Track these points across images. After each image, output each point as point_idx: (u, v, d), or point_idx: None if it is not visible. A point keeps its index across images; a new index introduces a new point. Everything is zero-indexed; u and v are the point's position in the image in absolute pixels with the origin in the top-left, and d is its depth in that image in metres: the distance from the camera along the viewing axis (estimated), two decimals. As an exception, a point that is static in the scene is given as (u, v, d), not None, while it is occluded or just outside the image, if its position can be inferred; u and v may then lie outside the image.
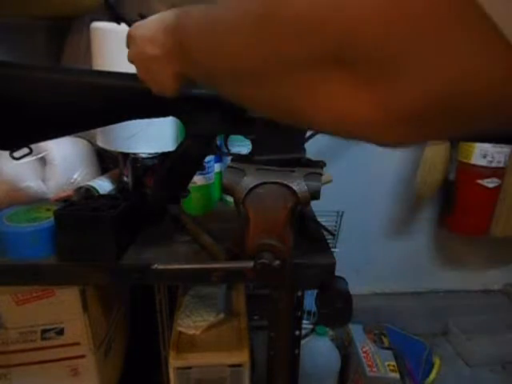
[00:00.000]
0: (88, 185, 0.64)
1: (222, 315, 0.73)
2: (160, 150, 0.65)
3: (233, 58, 0.22)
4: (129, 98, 0.44)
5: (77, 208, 0.53)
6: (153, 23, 0.35)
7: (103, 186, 0.66)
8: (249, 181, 0.43)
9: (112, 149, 0.65)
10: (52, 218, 0.52)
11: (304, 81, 0.19)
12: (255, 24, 0.19)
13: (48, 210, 0.57)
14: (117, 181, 0.70)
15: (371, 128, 0.18)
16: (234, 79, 0.24)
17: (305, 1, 0.16)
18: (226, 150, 0.54)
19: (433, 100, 0.15)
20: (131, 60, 0.37)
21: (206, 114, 0.44)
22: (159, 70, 0.35)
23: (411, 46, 0.14)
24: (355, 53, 0.16)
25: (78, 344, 0.66)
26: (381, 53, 0.15)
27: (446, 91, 0.15)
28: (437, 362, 1.16)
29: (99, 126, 0.59)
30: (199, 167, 0.53)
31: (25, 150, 0.48)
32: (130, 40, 0.37)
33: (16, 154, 0.48)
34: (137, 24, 0.38)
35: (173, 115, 0.46)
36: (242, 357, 0.67)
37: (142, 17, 0.43)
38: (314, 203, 0.48)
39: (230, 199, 0.70)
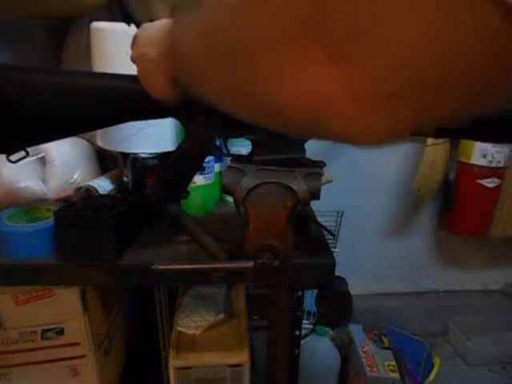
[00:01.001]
0: (88, 185, 0.64)
1: (221, 315, 0.73)
2: (160, 150, 0.65)
3: (209, 37, 0.22)
4: (128, 100, 0.44)
5: (77, 208, 0.53)
6: (157, 26, 0.35)
7: (103, 186, 0.66)
8: (249, 181, 0.43)
9: (112, 149, 0.65)
10: (52, 218, 0.52)
11: (276, 56, 0.18)
12: (226, 6, 0.19)
13: (48, 210, 0.57)
14: (117, 181, 0.70)
15: (340, 107, 0.16)
16: (210, 65, 0.23)
17: None
18: (225, 151, 0.54)
19: (403, 70, 0.14)
20: (133, 61, 0.38)
21: (205, 115, 0.44)
22: (154, 72, 0.35)
23: (377, 13, 0.13)
24: (325, 23, 0.15)
25: (78, 344, 0.66)
26: (347, 23, 0.14)
27: (415, 57, 0.13)
28: (437, 362, 1.16)
29: (98, 128, 0.60)
30: (199, 167, 0.53)
31: (21, 153, 0.48)
32: (135, 39, 0.38)
33: (13, 157, 0.47)
34: (144, 26, 0.39)
35: (172, 117, 0.46)
36: (242, 357, 0.67)
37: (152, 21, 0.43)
38: (314, 203, 0.48)
39: (229, 199, 0.70)
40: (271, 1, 0.16)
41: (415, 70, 0.14)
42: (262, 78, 0.19)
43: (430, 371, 1.13)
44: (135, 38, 0.38)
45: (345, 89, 0.16)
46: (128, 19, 0.44)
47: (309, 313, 1.16)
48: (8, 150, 0.47)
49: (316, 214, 0.68)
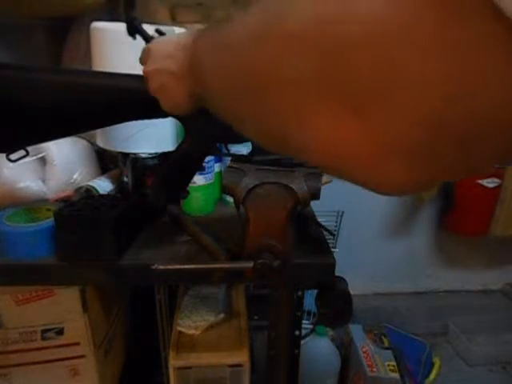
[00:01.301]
0: (88, 185, 0.64)
1: (221, 315, 0.73)
2: (160, 150, 0.65)
3: (232, 74, 0.22)
4: (128, 99, 0.44)
5: (77, 208, 0.53)
6: (174, 40, 0.35)
7: (103, 186, 0.66)
8: (249, 181, 0.43)
9: (112, 149, 0.65)
10: (52, 218, 0.52)
11: (294, 104, 0.18)
12: (252, 40, 0.19)
13: (48, 210, 0.57)
14: (117, 181, 0.70)
15: (360, 161, 0.16)
16: (233, 97, 0.23)
17: (299, 20, 0.16)
18: (225, 151, 0.54)
19: (424, 126, 0.14)
20: (147, 75, 0.38)
21: (206, 116, 0.44)
22: (174, 86, 0.35)
23: (399, 68, 0.13)
24: (343, 77, 0.15)
25: (78, 344, 0.66)
26: (369, 81, 0.14)
27: (441, 107, 0.13)
28: (437, 362, 1.16)
29: (98, 128, 0.59)
30: (199, 168, 0.53)
31: (21, 153, 0.48)
32: (149, 54, 0.38)
33: (12, 157, 0.47)
34: (158, 39, 0.39)
35: (172, 117, 0.46)
36: (242, 357, 0.67)
37: (160, 32, 0.43)
38: (313, 203, 0.48)
39: (230, 199, 0.70)
40: (294, 49, 0.16)
41: (436, 126, 0.13)
42: (279, 118, 0.19)
43: (429, 371, 1.13)
44: (148, 53, 0.38)
45: (365, 142, 0.16)
46: (133, 32, 0.44)
47: (309, 313, 1.16)
48: (8, 149, 0.47)
49: (316, 214, 0.68)
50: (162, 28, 0.46)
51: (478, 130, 0.13)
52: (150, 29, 0.45)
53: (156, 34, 0.43)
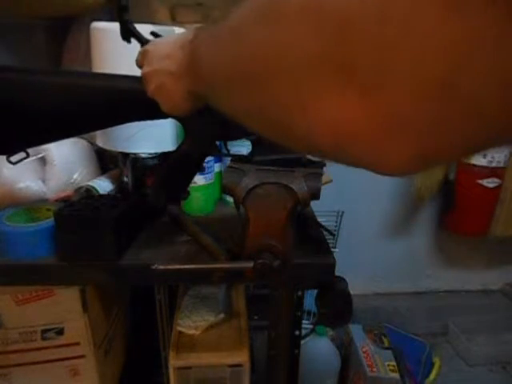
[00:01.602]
0: (88, 185, 0.64)
1: (222, 315, 0.73)
2: (160, 150, 0.65)
3: (233, 63, 0.22)
4: (128, 101, 0.44)
5: (77, 208, 0.53)
6: (171, 41, 0.35)
7: (103, 186, 0.66)
8: (249, 181, 0.43)
9: (112, 149, 0.65)
10: (52, 218, 0.52)
11: (299, 86, 0.18)
12: (252, 25, 0.19)
13: (48, 210, 0.57)
14: (117, 181, 0.70)
15: (367, 139, 0.16)
16: (232, 86, 0.23)
17: (299, 1, 0.16)
18: (225, 151, 0.54)
19: (434, 95, 0.13)
20: (146, 76, 0.37)
21: (206, 116, 0.44)
22: (173, 86, 0.34)
23: (403, 47, 0.13)
24: (349, 56, 0.15)
25: (78, 344, 0.66)
26: (373, 57, 0.14)
27: (446, 78, 0.13)
28: (437, 362, 1.16)
29: (99, 129, 0.59)
30: (199, 168, 0.53)
31: (22, 155, 0.48)
32: (146, 56, 0.38)
33: (13, 159, 0.47)
34: (154, 41, 0.38)
35: (172, 117, 0.46)
36: (242, 357, 0.67)
37: (155, 35, 0.43)
38: (313, 203, 0.48)
39: (230, 199, 0.70)
40: (296, 29, 0.16)
41: (442, 97, 0.13)
42: (283, 105, 0.19)
43: (429, 371, 1.13)
44: (145, 55, 0.38)
45: (371, 119, 0.15)
46: (128, 36, 0.43)
47: (309, 313, 1.16)
48: (8, 151, 0.47)
49: (316, 214, 0.68)
50: (163, 28, 0.46)
51: (482, 100, 0.13)
52: (150, 29, 0.45)
53: (151, 37, 0.43)
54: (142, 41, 0.42)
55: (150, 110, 0.43)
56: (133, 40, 0.44)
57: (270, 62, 0.18)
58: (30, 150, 0.49)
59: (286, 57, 0.17)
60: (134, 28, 0.43)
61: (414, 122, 0.15)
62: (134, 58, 0.41)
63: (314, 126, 0.18)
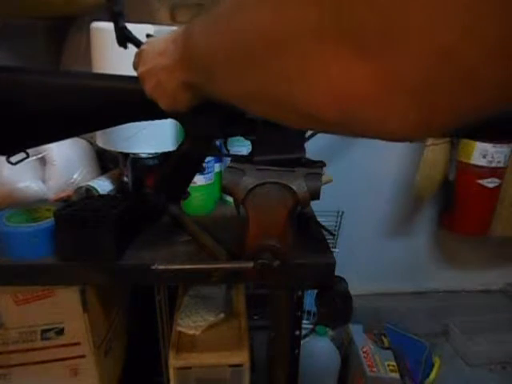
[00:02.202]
0: (88, 185, 0.64)
1: (222, 315, 0.73)
2: (160, 150, 0.65)
3: (232, 41, 0.22)
4: (128, 101, 0.44)
5: (77, 208, 0.53)
6: (164, 38, 0.35)
7: (103, 186, 0.66)
8: (249, 181, 0.43)
9: (112, 149, 0.65)
10: (52, 218, 0.52)
11: (301, 56, 0.17)
12: None
13: (48, 210, 0.57)
14: (117, 181, 0.70)
15: (373, 103, 0.16)
16: (232, 67, 0.23)
17: None
18: (225, 151, 0.54)
19: (437, 60, 0.14)
20: (142, 76, 0.37)
21: (205, 116, 0.44)
22: (169, 80, 0.34)
23: (409, 7, 0.13)
24: (352, 21, 0.15)
25: (78, 344, 0.66)
26: (379, 19, 0.14)
27: (449, 45, 0.13)
28: (437, 362, 1.16)
29: (98, 129, 0.59)
30: (199, 168, 0.53)
31: (22, 155, 0.48)
32: (141, 55, 0.38)
33: (13, 159, 0.47)
34: (148, 40, 0.38)
35: (172, 117, 0.46)
36: (242, 357, 0.67)
37: (149, 36, 0.43)
38: (314, 203, 0.48)
39: (229, 199, 0.71)
40: (297, 2, 0.16)
41: (450, 58, 0.13)
42: (286, 79, 0.19)
43: (430, 371, 1.13)
44: (141, 54, 0.38)
45: (377, 83, 0.15)
46: (124, 41, 0.43)
47: (309, 313, 1.16)
48: (8, 151, 0.47)
49: (316, 214, 0.68)
50: (163, 28, 0.46)
51: (487, 62, 0.13)
52: (149, 29, 0.45)
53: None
54: (139, 45, 0.42)
55: (150, 110, 0.43)
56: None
57: (271, 38, 0.18)
58: (29, 150, 0.49)
59: (288, 30, 0.17)
60: (130, 32, 0.43)
61: (416, 86, 0.15)
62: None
63: (320, 96, 0.18)
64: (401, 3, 0.13)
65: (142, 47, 0.38)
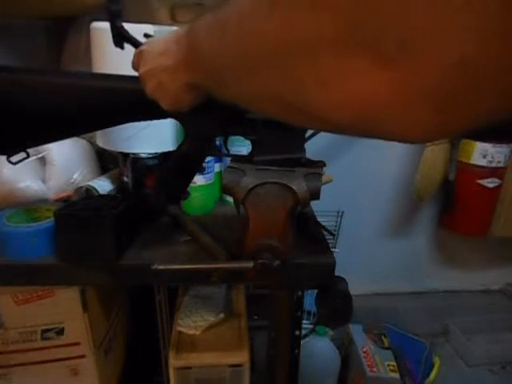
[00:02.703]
0: (88, 185, 0.64)
1: (221, 315, 0.73)
2: (160, 150, 0.65)
3: (244, 46, 0.21)
4: (128, 101, 0.44)
5: (77, 208, 0.53)
6: (164, 38, 0.35)
7: (103, 186, 0.66)
8: (249, 181, 0.43)
9: (112, 149, 0.65)
10: (52, 218, 0.52)
11: (317, 64, 0.17)
12: (267, 4, 0.19)
13: (48, 210, 0.57)
14: (117, 181, 0.70)
15: (392, 110, 0.16)
16: (242, 71, 0.23)
17: None
18: (225, 151, 0.54)
19: (455, 69, 0.14)
20: (142, 77, 0.37)
21: (205, 115, 0.44)
22: (171, 81, 0.34)
23: (429, 16, 0.13)
24: (371, 31, 0.15)
25: (78, 344, 0.66)
26: (398, 29, 0.14)
27: (475, 52, 0.13)
28: (437, 362, 1.16)
29: (99, 129, 0.59)
30: (199, 168, 0.53)
31: (22, 155, 0.48)
32: (141, 56, 0.37)
33: (13, 159, 0.47)
34: (148, 41, 0.38)
35: (172, 117, 0.46)
36: (242, 357, 0.67)
37: (148, 36, 0.43)
38: (314, 203, 0.48)
39: (229, 199, 0.70)
40: (310, 6, 0.16)
41: (470, 67, 0.13)
42: (300, 87, 0.19)
43: (429, 371, 1.13)
44: (141, 54, 0.37)
45: (397, 92, 0.16)
46: (121, 42, 0.43)
47: (309, 313, 1.16)
48: (8, 151, 0.47)
49: (316, 214, 0.68)
50: (163, 28, 0.46)
51: (506, 70, 0.13)
52: (149, 29, 0.44)
53: (145, 39, 0.43)
54: (137, 44, 0.42)
55: (150, 110, 0.43)
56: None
57: (283, 48, 0.18)
58: (30, 150, 0.49)
59: (301, 40, 0.17)
60: (127, 32, 0.42)
61: (436, 93, 0.15)
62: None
63: (336, 104, 0.18)
64: (421, 13, 0.13)
65: (142, 47, 0.38)
